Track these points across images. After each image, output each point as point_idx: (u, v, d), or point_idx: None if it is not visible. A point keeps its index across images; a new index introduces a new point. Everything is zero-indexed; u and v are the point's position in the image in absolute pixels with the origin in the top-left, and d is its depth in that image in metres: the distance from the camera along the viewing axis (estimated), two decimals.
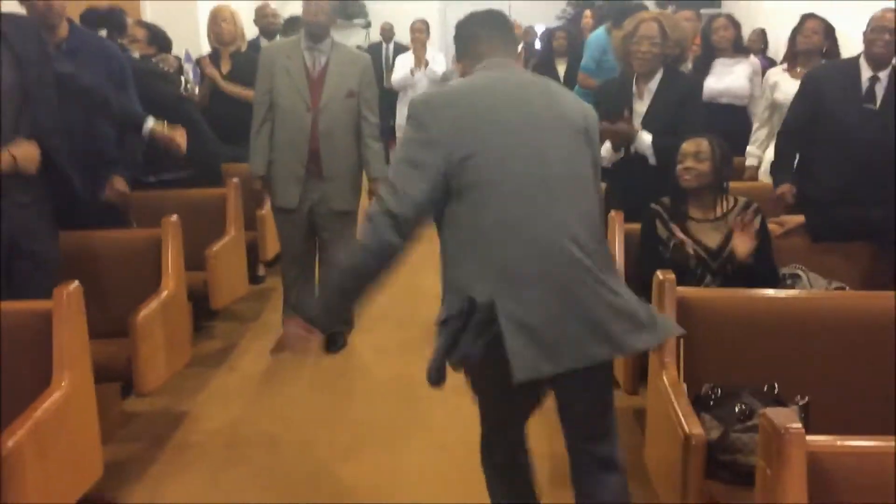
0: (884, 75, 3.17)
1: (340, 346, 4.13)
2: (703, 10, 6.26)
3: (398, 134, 6.80)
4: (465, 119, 1.90)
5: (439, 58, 6.86)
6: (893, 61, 3.20)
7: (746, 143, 4.44)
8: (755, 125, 4.43)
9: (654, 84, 3.33)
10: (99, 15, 4.48)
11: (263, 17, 5.98)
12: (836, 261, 3.14)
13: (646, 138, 3.30)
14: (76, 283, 2.49)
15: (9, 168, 2.64)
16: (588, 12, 7.53)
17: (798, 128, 3.40)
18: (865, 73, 3.20)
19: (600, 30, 5.61)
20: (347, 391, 3.70)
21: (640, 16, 3.30)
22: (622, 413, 2.73)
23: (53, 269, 2.83)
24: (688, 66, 4.95)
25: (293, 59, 3.82)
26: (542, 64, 6.37)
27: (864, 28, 3.23)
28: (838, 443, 1.56)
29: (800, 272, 3.00)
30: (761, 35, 6.68)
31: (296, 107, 3.79)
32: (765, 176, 4.31)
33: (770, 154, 4.33)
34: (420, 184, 1.86)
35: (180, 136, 3.33)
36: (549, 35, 6.86)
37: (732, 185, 3.03)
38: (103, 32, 4.34)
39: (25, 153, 2.68)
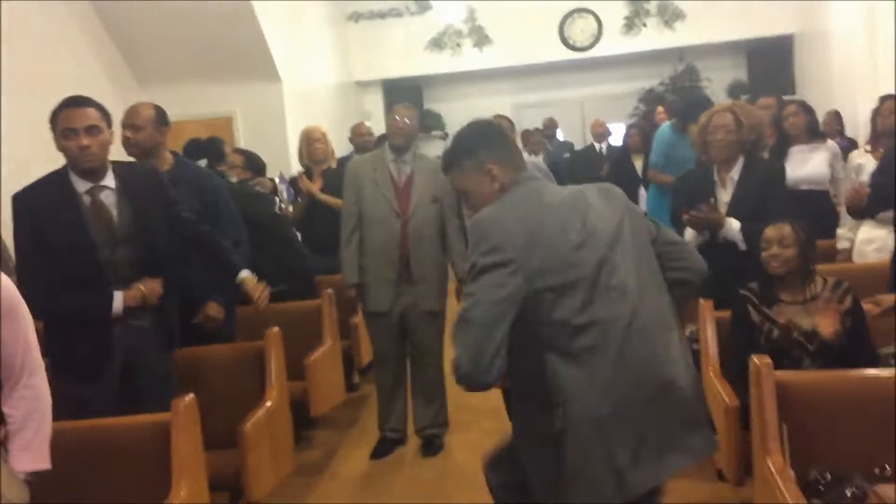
0: None
1: (438, 449, 4.17)
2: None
3: None
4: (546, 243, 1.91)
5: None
6: None
7: (830, 225, 4.42)
8: (843, 208, 4.40)
9: (735, 173, 3.40)
10: (199, 145, 4.85)
11: (359, 136, 6.27)
12: None
13: (734, 225, 3.35)
14: (191, 395, 2.64)
15: (137, 302, 2.91)
16: (660, 108, 7.67)
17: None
18: None
19: (665, 126, 5.70)
20: (444, 493, 3.71)
21: (714, 107, 3.40)
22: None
23: (168, 385, 3.00)
24: (765, 154, 5.00)
25: (379, 171, 4.03)
26: (620, 160, 6.50)
27: None
28: None
29: None
30: (836, 116, 6.68)
31: (385, 215, 3.98)
32: (858, 257, 4.26)
33: (861, 235, 4.30)
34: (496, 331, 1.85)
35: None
36: (626, 132, 7.02)
37: (827, 268, 3.02)
38: (203, 161, 4.67)
39: (151, 289, 2.96)
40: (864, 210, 3.54)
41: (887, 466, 2.17)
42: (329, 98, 9.24)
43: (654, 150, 5.64)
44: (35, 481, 2.19)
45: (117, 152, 3.15)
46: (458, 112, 11.09)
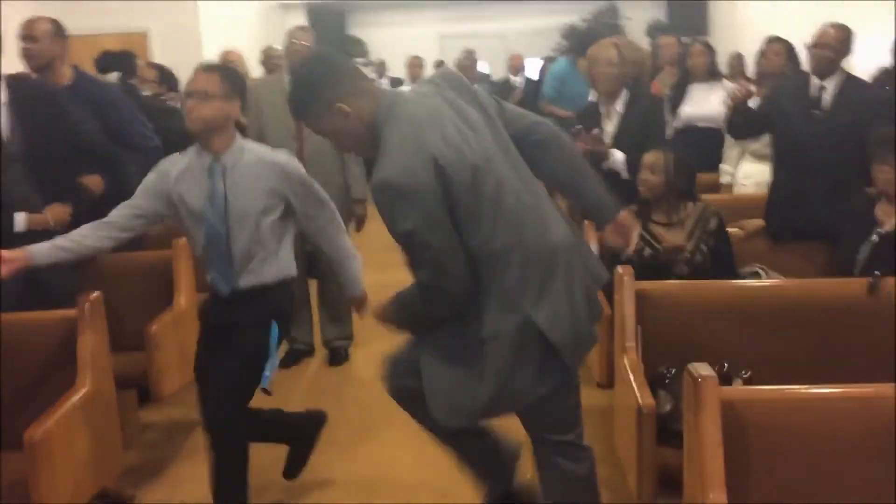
0: (831, 84, 3.45)
1: (343, 359, 4.39)
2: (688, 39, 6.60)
3: None
4: (436, 158, 1.89)
5: None
6: (840, 73, 3.48)
7: (720, 160, 4.72)
8: (726, 145, 4.70)
9: (619, 105, 3.63)
10: (111, 57, 4.84)
11: (269, 59, 6.30)
12: (795, 260, 3.38)
13: (618, 155, 3.59)
14: (98, 292, 2.77)
15: (42, 226, 3.00)
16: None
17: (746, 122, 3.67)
18: (814, 83, 3.49)
19: (562, 60, 5.92)
20: (342, 396, 3.94)
21: (599, 42, 3.62)
22: (600, 409, 3.01)
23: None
24: (665, 91, 5.26)
25: (277, 93, 4.07)
26: (530, 92, 6.70)
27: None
28: (747, 391, 1.81)
29: (759, 270, 3.26)
30: (739, 58, 6.96)
31: (283, 138, 4.04)
32: (738, 190, 4.59)
33: (742, 171, 4.63)
34: (454, 252, 1.91)
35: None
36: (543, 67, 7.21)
37: (710, 198, 3.28)
38: (115, 74, 4.68)
39: (57, 213, 3.06)
40: (738, 126, 3.80)
41: (726, 365, 2.47)
42: (249, 19, 9.13)
43: (546, 82, 5.85)
44: None
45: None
46: (382, 39, 11.13)
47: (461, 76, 2.17)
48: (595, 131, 3.56)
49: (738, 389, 1.78)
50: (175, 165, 2.66)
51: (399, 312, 2.15)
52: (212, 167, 2.59)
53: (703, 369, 1.75)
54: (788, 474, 1.79)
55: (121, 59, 4.84)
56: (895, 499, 1.77)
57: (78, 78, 3.62)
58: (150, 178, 2.68)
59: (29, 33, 3.44)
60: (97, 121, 3.49)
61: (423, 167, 1.86)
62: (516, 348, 1.96)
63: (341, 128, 2.01)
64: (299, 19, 10.88)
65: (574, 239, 2.11)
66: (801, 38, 3.82)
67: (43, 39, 3.44)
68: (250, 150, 2.65)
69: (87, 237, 2.61)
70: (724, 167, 4.69)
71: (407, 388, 2.27)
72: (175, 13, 7.26)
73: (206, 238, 2.61)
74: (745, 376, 2.40)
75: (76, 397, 2.55)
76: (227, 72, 2.67)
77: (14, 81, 3.05)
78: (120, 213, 2.64)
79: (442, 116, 1.97)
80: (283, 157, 2.69)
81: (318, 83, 2.01)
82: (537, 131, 2.14)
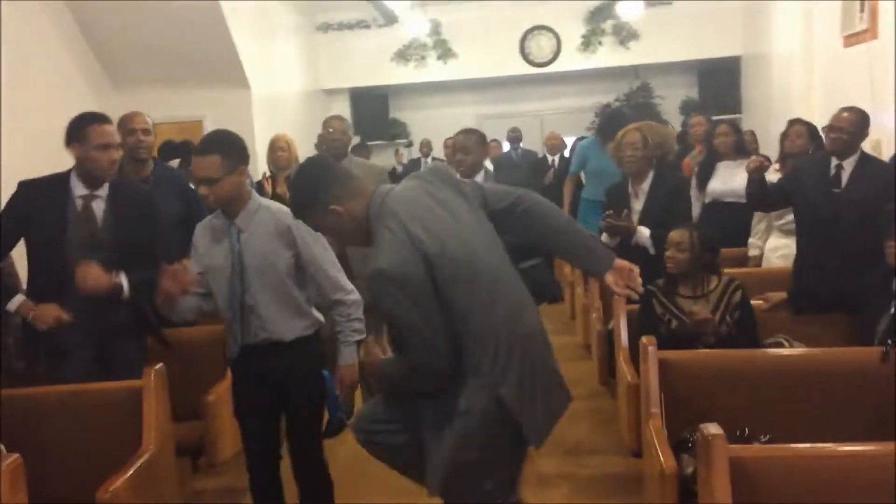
0: (848, 163, 3.65)
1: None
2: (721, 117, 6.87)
3: None
4: (428, 246, 2.09)
5: None
6: (857, 153, 3.68)
7: (747, 235, 4.90)
8: (754, 220, 4.88)
9: (646, 185, 3.87)
10: (173, 147, 5.22)
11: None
12: (817, 330, 3.51)
13: (644, 232, 3.81)
14: (161, 364, 3.02)
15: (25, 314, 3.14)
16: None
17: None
18: (833, 162, 3.69)
19: (589, 139, 6.23)
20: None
21: (626, 127, 3.88)
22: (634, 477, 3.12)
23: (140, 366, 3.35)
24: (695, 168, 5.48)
25: None
26: (564, 171, 6.98)
27: None
28: (756, 448, 1.96)
29: (783, 340, 3.40)
30: (752, 136, 7.20)
31: None
32: (766, 264, 4.75)
33: (770, 243, 4.79)
34: (440, 332, 2.08)
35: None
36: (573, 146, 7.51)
37: (737, 271, 3.46)
38: (176, 161, 5.04)
39: (43, 314, 3.11)
40: (756, 197, 4.02)
41: (747, 430, 2.61)
42: (296, 105, 9.61)
43: (573, 160, 6.18)
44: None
45: None
46: (422, 121, 11.58)
47: (448, 170, 2.41)
48: (625, 212, 3.79)
49: (745, 447, 1.93)
50: (201, 238, 2.89)
51: (380, 381, 2.36)
52: (229, 230, 2.81)
53: (713, 428, 1.92)
54: None
55: (182, 147, 5.23)
56: None
57: (158, 164, 4.01)
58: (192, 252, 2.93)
59: (144, 127, 3.82)
60: (180, 203, 3.84)
61: (413, 259, 2.06)
62: (487, 426, 2.13)
63: (336, 225, 2.23)
64: (343, 104, 11.41)
65: (542, 329, 2.29)
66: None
67: (151, 133, 3.85)
68: (265, 208, 2.85)
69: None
70: (752, 241, 4.86)
71: (380, 441, 2.47)
72: (229, 101, 7.72)
73: (227, 299, 2.81)
74: (764, 440, 2.54)
75: (142, 459, 2.78)
76: (219, 145, 2.74)
77: (115, 182, 3.32)
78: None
79: (427, 211, 2.17)
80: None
81: (313, 188, 2.22)
82: (522, 202, 2.36)
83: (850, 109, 3.69)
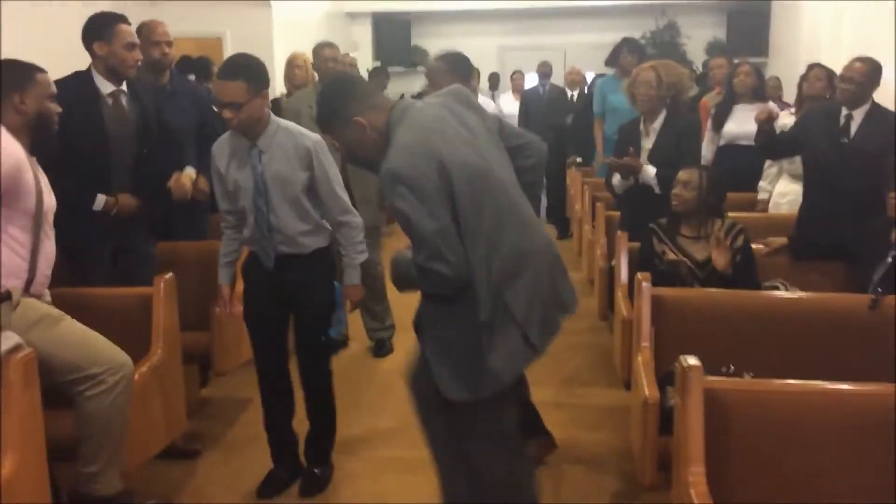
0: (858, 113, 3.64)
1: (388, 352, 4.68)
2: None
3: None
4: (443, 161, 2.13)
5: (488, 103, 7.47)
6: (868, 103, 3.67)
7: (758, 178, 4.91)
8: (766, 163, 4.88)
9: (658, 123, 3.88)
10: (190, 62, 5.24)
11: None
12: (815, 277, 3.57)
13: (650, 171, 3.84)
14: (171, 274, 3.12)
15: (109, 210, 3.37)
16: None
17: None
18: (843, 111, 3.68)
19: (607, 76, 6.24)
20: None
21: (641, 65, 3.87)
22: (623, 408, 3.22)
23: (152, 265, 3.48)
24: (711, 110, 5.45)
25: (314, 105, 4.40)
26: (584, 108, 6.95)
27: None
28: (730, 381, 2.04)
29: (779, 284, 3.46)
30: (777, 82, 7.11)
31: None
32: (773, 208, 4.78)
33: (778, 188, 4.81)
34: (450, 241, 2.11)
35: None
36: (592, 83, 7.45)
37: (743, 215, 3.48)
38: (192, 77, 5.07)
39: (126, 204, 3.40)
40: (765, 147, 4.04)
41: (731, 367, 2.69)
42: (318, 26, 9.54)
43: (595, 99, 6.19)
44: None
45: None
46: (444, 49, 11.46)
47: (467, 92, 2.44)
48: (630, 150, 3.82)
49: (721, 380, 2.01)
50: (220, 160, 2.96)
51: (399, 279, 2.36)
52: (251, 152, 2.88)
53: (691, 360, 2.00)
54: (767, 458, 2.02)
55: (198, 63, 5.25)
56: (864, 482, 1.99)
57: (175, 76, 4.08)
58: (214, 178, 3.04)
59: (168, 39, 3.89)
60: (196, 114, 3.95)
61: (427, 164, 2.10)
62: (493, 330, 2.17)
63: (360, 137, 2.28)
64: (365, 28, 11.31)
65: (552, 248, 2.35)
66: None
67: (172, 44, 3.93)
68: (283, 129, 2.93)
69: (235, 251, 3.12)
70: (763, 185, 4.87)
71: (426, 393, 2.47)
72: (249, 19, 7.69)
73: (253, 216, 2.92)
74: (748, 378, 2.62)
75: (150, 362, 2.90)
76: (244, 70, 2.79)
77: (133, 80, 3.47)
78: (228, 215, 3.06)
79: (446, 123, 2.24)
80: (314, 137, 2.96)
81: (339, 102, 2.30)
82: (527, 155, 2.48)
83: (863, 59, 3.66)
